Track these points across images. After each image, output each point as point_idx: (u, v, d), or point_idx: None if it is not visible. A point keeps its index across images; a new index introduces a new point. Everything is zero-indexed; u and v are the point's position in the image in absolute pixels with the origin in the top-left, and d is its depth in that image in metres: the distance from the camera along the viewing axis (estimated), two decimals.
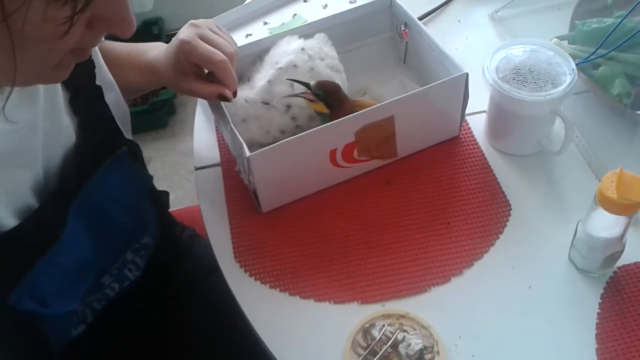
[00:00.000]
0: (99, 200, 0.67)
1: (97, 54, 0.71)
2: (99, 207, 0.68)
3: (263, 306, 0.70)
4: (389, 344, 0.63)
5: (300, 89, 0.79)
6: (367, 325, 0.66)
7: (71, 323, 0.69)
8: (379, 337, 0.64)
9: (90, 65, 0.68)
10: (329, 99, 0.78)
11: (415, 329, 0.65)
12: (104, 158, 0.68)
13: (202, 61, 0.72)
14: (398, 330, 0.65)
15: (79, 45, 0.47)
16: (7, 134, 0.56)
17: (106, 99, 0.70)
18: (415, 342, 0.64)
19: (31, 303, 0.60)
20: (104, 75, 0.72)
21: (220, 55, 0.71)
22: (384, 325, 0.65)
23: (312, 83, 0.78)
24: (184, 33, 0.73)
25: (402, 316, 0.66)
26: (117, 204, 0.70)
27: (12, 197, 0.58)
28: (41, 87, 0.60)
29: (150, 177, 0.78)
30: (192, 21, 0.74)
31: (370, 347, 0.64)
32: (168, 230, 0.93)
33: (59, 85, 0.63)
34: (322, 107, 0.78)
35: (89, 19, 0.46)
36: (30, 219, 0.59)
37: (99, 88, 0.69)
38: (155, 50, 0.79)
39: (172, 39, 0.75)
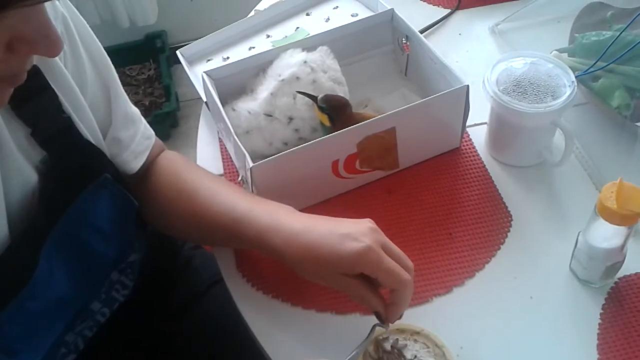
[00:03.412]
0: (77, 232, 0.63)
1: (66, 79, 0.62)
2: (77, 239, 0.63)
3: (265, 316, 0.71)
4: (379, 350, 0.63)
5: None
6: (381, 337, 0.66)
7: (57, 356, 0.65)
8: (390, 350, 0.64)
9: (52, 97, 0.61)
10: (332, 113, 0.78)
11: (428, 347, 0.65)
12: (81, 188, 0.63)
13: (385, 277, 0.60)
14: (408, 345, 0.64)
15: (6, 73, 0.43)
16: None
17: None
18: None
19: None
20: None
21: (406, 275, 0.61)
22: (397, 340, 0.65)
23: (319, 96, 0.79)
24: (369, 238, 0.60)
25: (417, 332, 0.66)
26: (100, 233, 0.66)
27: None
28: None
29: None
30: (372, 226, 0.63)
31: (381, 359, 0.64)
32: (165, 243, 0.91)
33: (3, 125, 0.56)
34: (326, 119, 0.79)
35: (8, 42, 0.42)
36: None
37: (67, 119, 0.62)
38: (282, 234, 0.65)
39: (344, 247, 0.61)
